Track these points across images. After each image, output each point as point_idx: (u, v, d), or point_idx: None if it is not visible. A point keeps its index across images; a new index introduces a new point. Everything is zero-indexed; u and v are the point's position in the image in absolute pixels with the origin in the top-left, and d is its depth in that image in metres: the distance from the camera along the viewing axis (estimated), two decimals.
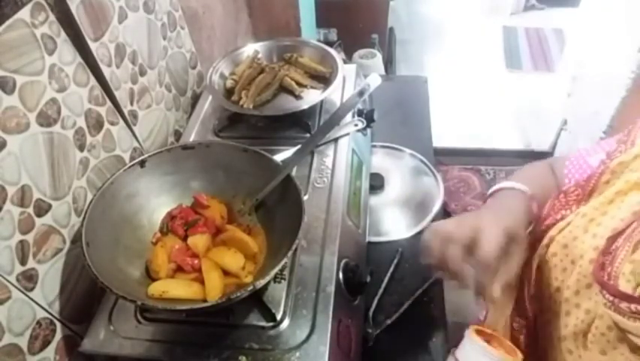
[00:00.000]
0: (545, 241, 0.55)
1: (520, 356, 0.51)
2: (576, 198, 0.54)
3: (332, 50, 0.98)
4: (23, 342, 0.57)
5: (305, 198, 0.71)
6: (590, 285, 0.47)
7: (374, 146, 1.10)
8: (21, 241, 0.57)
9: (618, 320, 0.42)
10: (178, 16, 0.96)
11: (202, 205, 0.71)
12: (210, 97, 0.98)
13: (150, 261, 0.65)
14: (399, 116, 1.21)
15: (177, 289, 0.61)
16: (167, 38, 0.92)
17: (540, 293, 0.56)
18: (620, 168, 0.50)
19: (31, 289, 0.59)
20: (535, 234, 0.58)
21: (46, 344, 0.61)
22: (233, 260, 0.63)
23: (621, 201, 0.48)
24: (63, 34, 0.64)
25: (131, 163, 0.68)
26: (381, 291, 0.82)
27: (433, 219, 0.95)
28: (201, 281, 0.62)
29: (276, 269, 0.56)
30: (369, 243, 0.88)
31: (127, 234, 0.66)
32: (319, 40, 1.46)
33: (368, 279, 0.68)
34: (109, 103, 0.74)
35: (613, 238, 0.45)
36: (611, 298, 0.42)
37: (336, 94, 0.96)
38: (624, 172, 0.49)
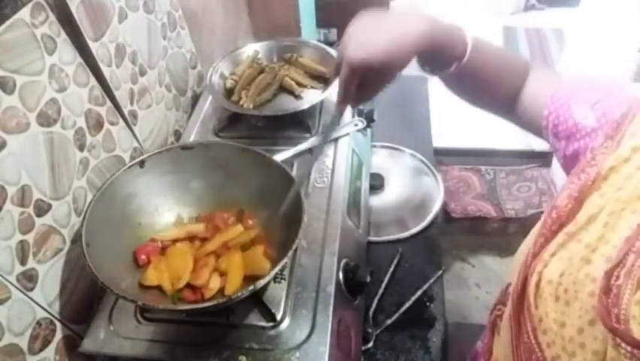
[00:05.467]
0: (540, 265, 0.49)
1: None
2: (570, 212, 0.49)
3: (332, 50, 0.98)
4: (23, 342, 0.57)
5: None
6: (593, 322, 0.43)
7: (374, 146, 1.10)
8: (21, 241, 0.57)
9: None
10: (178, 16, 0.96)
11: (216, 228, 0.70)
12: (210, 97, 0.98)
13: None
14: (399, 116, 1.21)
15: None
16: (167, 38, 0.92)
17: (544, 325, 0.49)
18: (611, 173, 0.46)
19: (31, 289, 0.59)
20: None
21: (46, 344, 0.61)
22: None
23: (614, 223, 0.44)
24: (63, 34, 0.64)
25: (131, 163, 0.68)
26: (381, 291, 0.82)
27: (433, 219, 0.95)
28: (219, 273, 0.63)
29: (276, 269, 0.56)
30: (369, 243, 0.88)
31: (127, 234, 0.66)
32: (319, 40, 1.46)
33: (368, 279, 0.68)
34: (109, 103, 0.74)
35: (610, 272, 0.42)
36: (629, 348, 0.39)
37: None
38: (613, 181, 0.46)
